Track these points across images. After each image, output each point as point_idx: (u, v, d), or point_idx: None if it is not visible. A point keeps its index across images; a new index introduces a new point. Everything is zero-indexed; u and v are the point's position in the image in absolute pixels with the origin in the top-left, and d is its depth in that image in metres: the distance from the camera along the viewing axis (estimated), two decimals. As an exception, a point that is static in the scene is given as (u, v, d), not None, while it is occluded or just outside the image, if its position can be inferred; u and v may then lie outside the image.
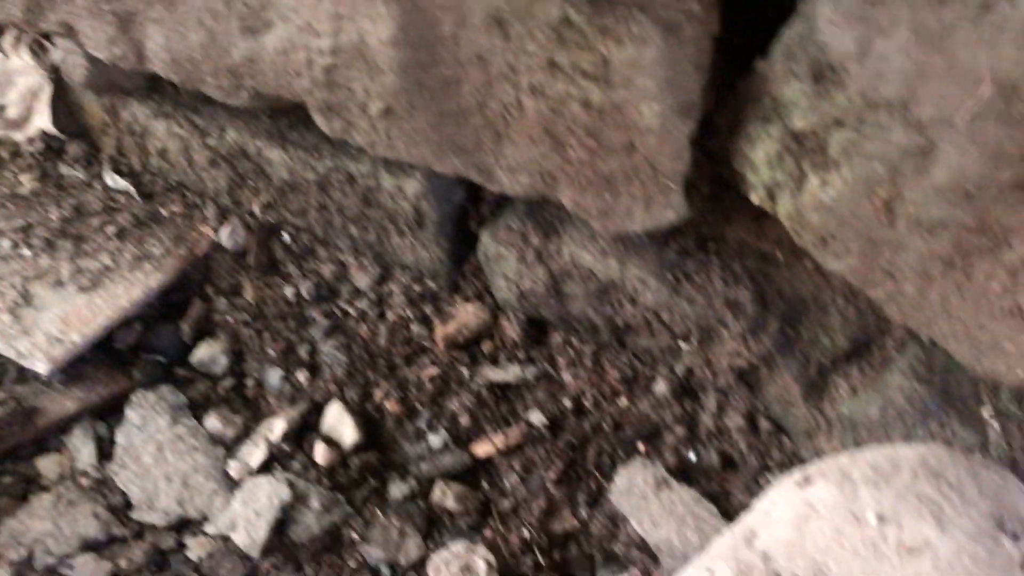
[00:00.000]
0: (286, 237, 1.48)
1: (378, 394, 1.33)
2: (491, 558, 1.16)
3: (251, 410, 1.31)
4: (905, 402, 1.20)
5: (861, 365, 1.25)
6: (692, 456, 1.28)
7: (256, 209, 1.49)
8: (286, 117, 1.46)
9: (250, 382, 1.35)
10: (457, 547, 1.17)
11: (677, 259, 1.29)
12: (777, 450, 1.26)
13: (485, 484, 1.26)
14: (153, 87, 1.53)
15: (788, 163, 1.08)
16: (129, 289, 1.37)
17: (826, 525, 0.96)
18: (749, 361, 1.27)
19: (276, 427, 1.26)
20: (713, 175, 1.20)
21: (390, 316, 1.41)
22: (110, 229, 1.46)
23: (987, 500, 0.97)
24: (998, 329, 1.06)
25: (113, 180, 1.54)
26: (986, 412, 1.19)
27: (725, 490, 1.25)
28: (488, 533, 1.21)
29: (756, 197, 1.13)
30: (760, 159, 1.10)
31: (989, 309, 1.05)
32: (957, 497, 0.97)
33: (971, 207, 0.98)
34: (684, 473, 1.27)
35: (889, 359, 1.24)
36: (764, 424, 1.29)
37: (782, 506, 1.01)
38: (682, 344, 1.31)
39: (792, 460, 1.26)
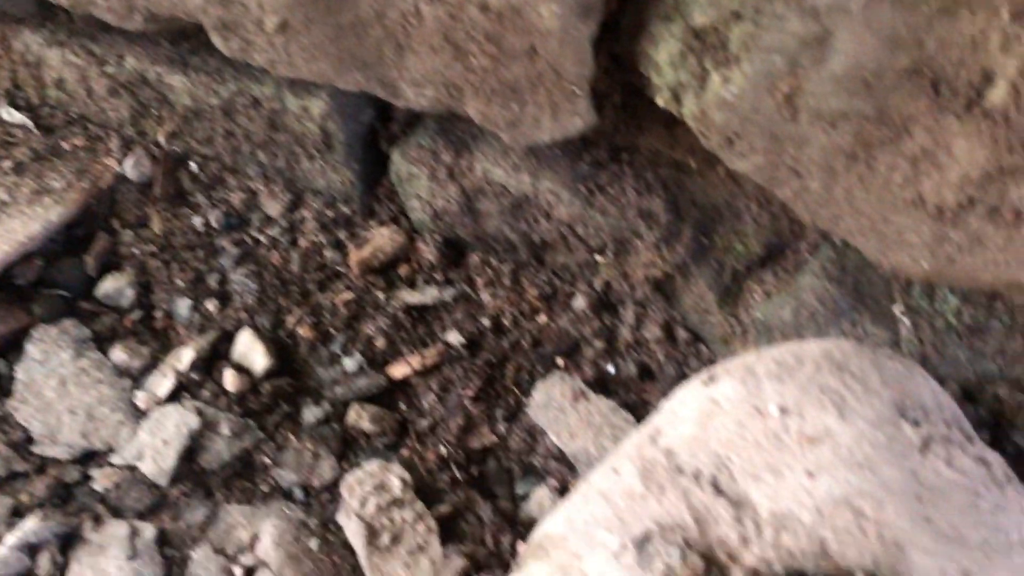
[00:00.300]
0: (193, 166, 1.44)
1: (290, 320, 1.30)
2: (406, 475, 1.14)
3: (159, 341, 1.27)
4: (817, 303, 1.20)
5: (775, 269, 1.25)
6: (611, 369, 1.27)
7: (161, 139, 1.44)
8: (186, 41, 1.40)
9: (159, 314, 1.31)
10: (371, 466, 1.15)
11: (590, 171, 1.27)
12: (695, 358, 1.26)
13: (402, 405, 1.24)
14: (45, 14, 1.46)
15: (691, 62, 1.05)
16: (27, 224, 1.32)
17: (729, 420, 0.96)
18: (664, 271, 1.26)
19: (184, 356, 1.23)
20: (624, 83, 1.17)
21: (303, 243, 1.37)
22: (6, 164, 1.40)
23: (890, 389, 0.98)
24: (902, 221, 1.05)
25: (9, 114, 1.48)
26: (898, 309, 1.19)
27: (643, 400, 1.25)
28: (405, 452, 1.19)
29: (662, 100, 1.11)
30: (664, 60, 1.08)
31: (892, 201, 1.05)
32: (860, 387, 0.97)
33: (870, 97, 0.97)
34: (603, 385, 1.26)
35: (802, 262, 1.24)
36: (681, 334, 1.28)
37: (688, 405, 1.00)
38: (598, 257, 1.30)
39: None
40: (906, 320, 1.18)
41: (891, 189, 1.04)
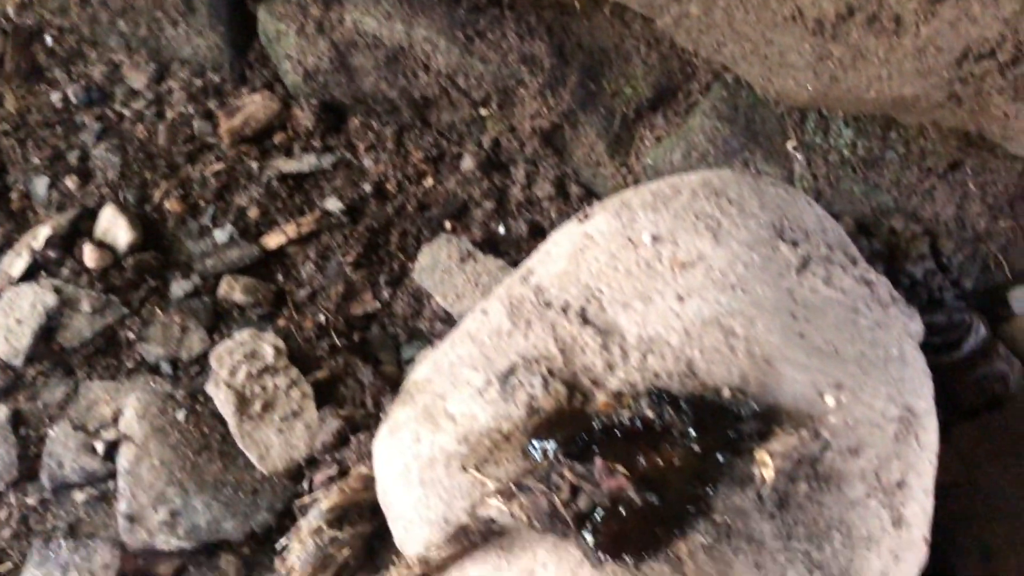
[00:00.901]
0: (48, 40, 1.33)
1: (157, 195, 1.22)
2: (280, 343, 1.08)
3: (14, 222, 1.19)
4: (708, 144, 1.15)
5: (666, 112, 1.19)
6: (501, 229, 1.21)
7: (10, 11, 1.32)
8: (28, -101, 1.28)
9: (14, 195, 1.22)
10: (243, 335, 1.09)
11: (467, 16, 1.19)
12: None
13: (279, 276, 1.18)
14: None
15: None
16: None
17: (601, 252, 0.90)
18: (551, 121, 1.19)
19: (40, 234, 1.14)
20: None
21: (170, 115, 1.28)
22: None
23: (769, 212, 0.93)
24: (783, 40, 0.99)
25: None
26: (791, 146, 1.14)
27: (533, 257, 1.19)
28: (281, 323, 1.13)
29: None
30: None
31: (772, 19, 0.98)
32: (736, 211, 0.92)
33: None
34: (492, 246, 1.20)
35: (693, 104, 1.17)
36: (574, 189, 1.22)
37: (561, 243, 0.95)
38: (483, 111, 1.22)
39: (602, 221, 1.21)
40: (799, 156, 1.13)
41: (769, 6, 0.97)
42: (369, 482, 0.94)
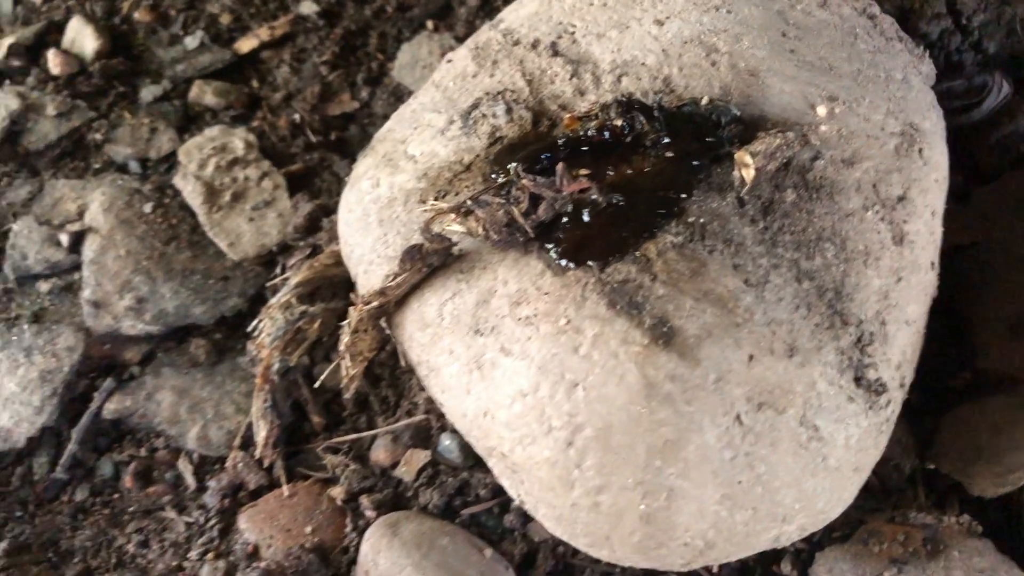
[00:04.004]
0: None
1: (126, 6, 1.16)
2: (250, 137, 1.03)
3: (-21, 39, 1.14)
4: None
5: None
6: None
7: None
8: None
9: (-21, 13, 1.17)
10: (212, 131, 1.04)
11: None
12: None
13: (253, 80, 1.12)
14: None
15: None
16: None
17: (576, -11, 0.83)
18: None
19: (3, 44, 1.10)
20: None
21: (137, -74, 1.22)
22: None
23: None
24: None
25: None
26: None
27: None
28: (255, 124, 1.08)
29: None
30: None
31: None
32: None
33: None
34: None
35: None
36: None
37: (535, -9, 0.87)
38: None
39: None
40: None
41: None
42: (339, 258, 0.89)
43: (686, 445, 0.61)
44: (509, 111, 0.74)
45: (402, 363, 0.88)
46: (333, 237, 0.93)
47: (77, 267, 0.95)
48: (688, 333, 0.61)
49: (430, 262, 0.68)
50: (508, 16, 0.85)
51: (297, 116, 1.08)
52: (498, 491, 0.80)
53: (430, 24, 1.15)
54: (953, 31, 1.00)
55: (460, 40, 1.12)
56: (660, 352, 0.60)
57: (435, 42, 1.12)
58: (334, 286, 0.90)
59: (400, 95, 1.09)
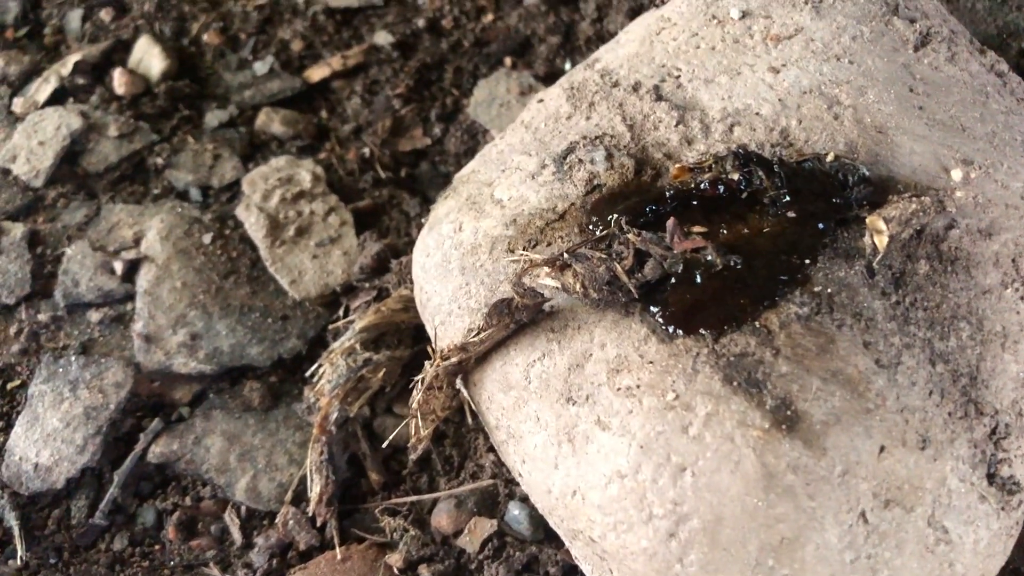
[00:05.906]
0: None
1: (195, 27, 1.13)
2: (318, 170, 0.99)
3: (47, 54, 1.11)
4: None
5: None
6: (567, 65, 1.09)
7: None
8: None
9: (48, 29, 1.14)
10: (278, 162, 0.99)
11: None
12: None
13: (323, 110, 1.08)
14: None
15: None
16: None
17: (679, 32, 0.77)
18: (624, -58, 1.06)
19: (70, 61, 1.07)
20: None
21: (212, -51, 1.19)
22: None
23: (881, -10, 0.78)
24: None
25: None
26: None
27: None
28: (323, 155, 1.03)
29: None
30: None
31: None
32: (841, -14, 0.78)
33: None
34: (555, 80, 1.08)
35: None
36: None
37: (632, 31, 0.82)
38: (548, -63, 1.10)
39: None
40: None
41: None
42: (409, 303, 0.84)
43: (805, 544, 0.54)
44: (609, 157, 0.69)
45: (468, 420, 0.82)
46: (402, 280, 0.87)
47: (130, 297, 0.90)
48: (814, 418, 0.54)
49: (519, 318, 0.62)
50: (605, 56, 0.80)
51: (367, 150, 1.03)
52: (570, 570, 0.73)
53: (508, 61, 1.10)
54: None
55: (539, 79, 1.08)
56: (782, 438, 0.53)
57: (513, 80, 1.07)
58: (400, 333, 0.84)
59: (474, 133, 1.04)
